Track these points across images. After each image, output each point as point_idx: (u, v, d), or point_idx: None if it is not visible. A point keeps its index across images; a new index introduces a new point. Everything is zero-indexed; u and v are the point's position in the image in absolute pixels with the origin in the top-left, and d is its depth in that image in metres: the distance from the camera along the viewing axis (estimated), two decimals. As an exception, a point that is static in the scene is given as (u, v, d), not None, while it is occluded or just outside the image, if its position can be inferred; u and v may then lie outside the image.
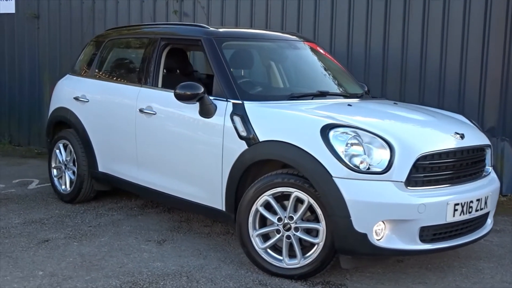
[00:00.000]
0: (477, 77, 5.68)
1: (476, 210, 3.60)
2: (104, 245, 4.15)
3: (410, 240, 3.36)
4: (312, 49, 4.81)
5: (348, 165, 3.31)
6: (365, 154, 3.34)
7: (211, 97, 3.95)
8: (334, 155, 3.33)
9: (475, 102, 5.71)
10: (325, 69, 4.65)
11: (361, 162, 3.32)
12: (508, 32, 5.55)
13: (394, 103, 4.42)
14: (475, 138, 3.79)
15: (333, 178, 3.32)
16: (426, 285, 3.57)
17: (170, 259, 3.91)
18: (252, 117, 3.73)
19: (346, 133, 3.39)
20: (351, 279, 3.61)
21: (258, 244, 3.64)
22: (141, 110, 4.45)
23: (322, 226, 3.44)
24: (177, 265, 3.80)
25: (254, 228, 3.66)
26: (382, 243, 3.32)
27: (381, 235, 3.32)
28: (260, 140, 3.63)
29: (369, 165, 3.32)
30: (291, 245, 3.56)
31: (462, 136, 3.67)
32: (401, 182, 3.31)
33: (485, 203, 3.68)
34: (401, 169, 3.32)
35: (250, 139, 3.68)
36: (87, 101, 5.04)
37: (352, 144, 3.36)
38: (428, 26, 5.78)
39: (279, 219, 3.56)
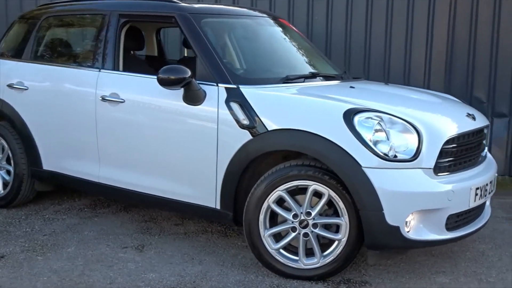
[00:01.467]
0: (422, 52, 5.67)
1: (489, 193, 3.48)
2: (75, 257, 3.57)
3: (438, 230, 3.16)
4: (289, 28, 4.46)
5: (378, 153, 3.03)
6: (392, 140, 3.07)
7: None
8: (362, 143, 3.04)
9: (421, 78, 5.72)
10: (307, 50, 4.33)
11: (390, 150, 3.05)
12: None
13: (386, 84, 4.20)
14: (481, 118, 3.66)
15: (363, 168, 3.02)
16: (445, 273, 3.41)
17: (162, 268, 3.43)
18: (255, 103, 3.33)
19: (371, 118, 3.11)
20: (370, 275, 3.37)
21: (270, 244, 3.27)
22: (103, 98, 3.86)
23: (344, 221, 3.14)
24: (175, 274, 3.34)
25: (266, 228, 3.28)
26: (412, 235, 3.09)
27: (410, 226, 3.09)
28: (269, 129, 3.24)
29: (396, 152, 3.06)
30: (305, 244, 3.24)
31: (474, 118, 3.53)
32: (430, 169, 3.10)
33: (494, 185, 3.58)
34: (430, 155, 3.10)
35: (255, 128, 3.28)
36: (25, 89, 4.32)
37: (378, 130, 3.08)
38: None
39: (295, 216, 3.21)
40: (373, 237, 3.07)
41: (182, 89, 3.49)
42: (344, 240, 3.17)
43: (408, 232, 3.07)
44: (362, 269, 3.42)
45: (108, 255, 3.61)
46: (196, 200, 3.57)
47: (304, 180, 3.17)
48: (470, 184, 3.25)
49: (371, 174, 3.02)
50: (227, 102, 3.40)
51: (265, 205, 3.24)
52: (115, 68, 3.97)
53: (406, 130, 3.10)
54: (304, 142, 3.15)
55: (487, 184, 3.41)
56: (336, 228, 3.22)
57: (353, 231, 3.14)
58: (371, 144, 3.03)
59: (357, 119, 3.08)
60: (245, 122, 3.31)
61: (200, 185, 3.53)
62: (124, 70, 3.99)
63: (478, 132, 3.51)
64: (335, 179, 3.12)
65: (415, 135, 3.09)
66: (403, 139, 3.10)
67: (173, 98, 3.56)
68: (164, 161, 3.67)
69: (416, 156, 3.06)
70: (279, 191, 3.21)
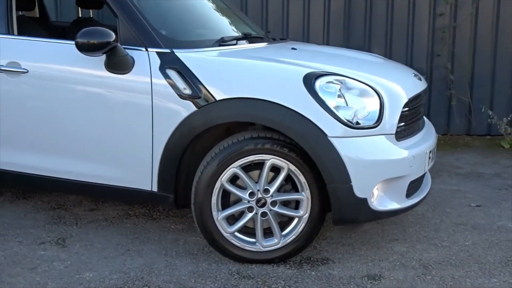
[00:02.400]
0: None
1: (434, 156, 3.40)
2: (-16, 260, 2.97)
3: (400, 198, 3.01)
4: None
5: (343, 121, 2.78)
6: (355, 106, 2.84)
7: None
8: (326, 110, 2.77)
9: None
10: (227, 10, 3.94)
11: (354, 116, 2.82)
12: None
13: (320, 45, 3.95)
14: (423, 79, 3.55)
15: (329, 138, 2.76)
16: (399, 241, 3.30)
17: (98, 264, 2.95)
18: (197, 70, 2.92)
19: (332, 82, 2.84)
20: (327, 250, 3.16)
21: (225, 228, 2.93)
22: (-1, 69, 3.22)
23: (306, 196, 2.89)
24: (116, 271, 2.89)
25: (219, 210, 2.92)
26: (378, 206, 2.90)
27: (375, 197, 2.90)
28: (218, 98, 2.86)
29: (358, 119, 2.84)
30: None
31: (420, 78, 3.41)
32: (392, 134, 2.91)
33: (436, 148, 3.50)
34: (391, 120, 2.90)
35: (200, 98, 2.88)
36: None
37: (340, 96, 2.83)
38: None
39: (251, 194, 2.89)
40: (341, 211, 2.85)
41: (104, 55, 2.97)
42: (306, 216, 2.91)
43: (373, 203, 2.88)
44: (317, 246, 3.20)
45: (25, 254, 3.05)
46: (127, 183, 3.11)
47: (261, 154, 2.84)
48: (425, 148, 3.12)
49: (338, 144, 2.77)
50: (162, 69, 2.95)
51: (217, 185, 2.88)
52: (9, 32, 3.32)
53: (368, 94, 2.88)
54: (262, 112, 2.81)
55: (434, 148, 3.32)
56: (296, 205, 2.95)
57: (315, 206, 2.90)
58: (335, 111, 2.77)
59: (318, 84, 2.80)
60: (187, 91, 2.90)
61: (132, 167, 3.08)
62: (19, 35, 3.36)
63: (424, 93, 3.39)
64: (294, 151, 2.83)
65: (377, 99, 2.88)
66: (364, 104, 2.88)
67: (93, 66, 3.04)
68: (83, 141, 3.14)
69: (379, 122, 2.86)
70: (234, 168, 2.86)
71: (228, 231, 2.92)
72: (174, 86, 2.91)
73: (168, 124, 2.95)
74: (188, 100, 2.90)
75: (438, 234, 3.39)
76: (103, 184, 3.16)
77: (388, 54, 5.78)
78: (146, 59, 2.99)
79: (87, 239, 3.25)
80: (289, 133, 2.78)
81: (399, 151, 2.91)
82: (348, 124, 2.78)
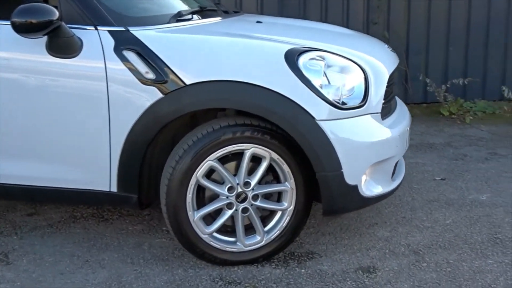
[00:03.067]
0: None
1: (409, 133, 3.21)
2: None
3: (386, 181, 2.80)
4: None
5: (331, 101, 2.51)
6: (340, 85, 2.57)
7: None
8: (313, 91, 2.49)
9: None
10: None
11: (340, 96, 2.55)
12: None
13: (284, 18, 3.63)
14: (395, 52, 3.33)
15: (317, 122, 2.48)
16: (379, 225, 3.11)
17: (54, 282, 2.54)
18: (160, 50, 2.52)
19: (315, 59, 2.55)
20: (308, 242, 2.91)
21: (202, 229, 2.59)
22: None
23: (290, 186, 2.61)
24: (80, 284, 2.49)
25: (195, 209, 2.58)
26: (367, 193, 2.67)
27: (363, 183, 2.67)
28: (188, 82, 2.49)
29: (344, 98, 2.57)
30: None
31: (393, 51, 3.18)
32: (378, 113, 2.68)
33: (409, 124, 3.32)
34: (376, 98, 2.66)
35: (166, 83, 2.50)
36: None
37: (325, 74, 2.55)
38: None
39: (230, 189, 2.56)
40: (332, 201, 2.59)
41: (46, 37, 2.51)
42: (291, 209, 2.64)
43: (363, 190, 2.64)
44: (297, 238, 2.92)
45: (-37, 277, 2.57)
46: (81, 185, 2.69)
47: (241, 144, 2.52)
48: (406, 125, 2.93)
49: (326, 127, 2.50)
50: (117, 51, 2.53)
51: (192, 181, 2.53)
52: None
53: (352, 71, 2.62)
54: (241, 97, 2.48)
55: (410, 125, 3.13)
56: (277, 197, 2.66)
57: (300, 197, 2.63)
58: (322, 91, 2.49)
59: (302, 61, 2.50)
60: (150, 76, 2.50)
61: (86, 166, 2.65)
62: None
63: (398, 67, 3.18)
64: (277, 138, 2.53)
65: (361, 76, 2.62)
66: (349, 81, 2.61)
67: (33, 50, 2.57)
68: (26, 138, 2.68)
69: (365, 101, 2.61)
70: (210, 161, 2.51)
71: (206, 232, 2.59)
72: (133, 70, 2.51)
73: (128, 115, 2.55)
74: (152, 86, 2.51)
75: (415, 214, 3.23)
76: (50, 187, 2.71)
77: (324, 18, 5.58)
78: (96, 40, 2.55)
79: (34, 252, 2.80)
80: (273, 119, 2.47)
81: (387, 131, 2.69)
82: (335, 105, 2.51)
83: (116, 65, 2.53)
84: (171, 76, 2.48)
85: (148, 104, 2.52)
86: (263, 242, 2.64)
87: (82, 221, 3.15)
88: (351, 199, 2.62)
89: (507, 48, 5.87)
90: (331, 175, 2.52)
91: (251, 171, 2.58)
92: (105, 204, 2.90)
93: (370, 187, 2.69)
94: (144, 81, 2.50)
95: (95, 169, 2.64)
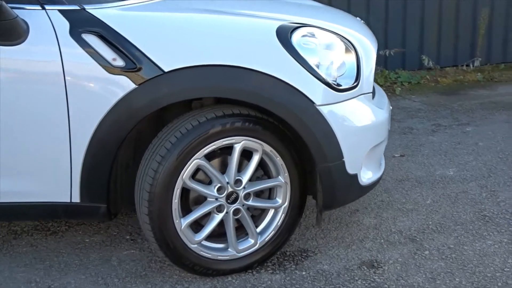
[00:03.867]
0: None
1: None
2: None
3: (377, 166, 2.59)
4: None
5: (329, 84, 2.24)
6: (334, 64, 2.30)
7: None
8: (310, 72, 2.20)
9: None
10: None
11: (336, 77, 2.29)
12: None
13: None
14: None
15: (318, 107, 2.20)
16: (360, 211, 2.90)
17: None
18: (128, 32, 2.11)
19: (307, 36, 2.26)
20: (298, 239, 2.64)
21: (191, 238, 2.24)
22: None
23: (284, 181, 2.32)
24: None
25: (181, 216, 2.22)
26: (363, 181, 2.44)
27: (361, 171, 2.44)
28: (166, 69, 2.10)
29: (338, 79, 2.31)
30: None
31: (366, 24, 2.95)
32: (370, 93, 2.45)
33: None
34: (368, 77, 2.42)
35: (140, 70, 2.10)
36: None
37: (319, 52, 2.27)
38: None
39: (220, 189, 2.23)
40: (333, 194, 2.34)
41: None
42: (286, 205, 2.36)
43: (361, 178, 2.41)
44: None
45: None
46: (35, 198, 2.24)
47: (230, 137, 2.19)
48: (389, 105, 2.72)
49: (327, 113, 2.23)
50: (74, 34, 2.10)
51: (178, 184, 2.16)
52: None
53: (344, 49, 2.35)
54: (231, 83, 2.14)
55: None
56: (268, 194, 2.37)
57: (296, 192, 2.35)
58: (319, 72, 2.21)
59: (295, 39, 2.20)
60: (119, 63, 2.09)
61: (41, 175, 2.20)
62: None
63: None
64: (269, 128, 2.23)
65: (353, 54, 2.36)
66: (342, 60, 2.34)
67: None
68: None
69: (358, 81, 2.36)
70: (197, 160, 2.16)
71: (195, 241, 2.24)
72: (97, 57, 2.09)
73: (92, 111, 2.13)
74: (121, 75, 2.10)
75: (392, 196, 3.06)
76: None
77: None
78: (46, 22, 2.10)
79: (-20, 280, 2.32)
80: (269, 106, 2.16)
81: (380, 112, 2.47)
82: (333, 87, 2.25)
83: (74, 51, 2.09)
84: (145, 62, 2.09)
85: (117, 97, 2.11)
86: (257, 245, 2.35)
87: (26, 236, 2.68)
88: (352, 190, 2.39)
89: (423, 21, 5.84)
90: (333, 165, 2.26)
91: (239, 168, 2.26)
92: (67, 217, 2.45)
93: (365, 174, 2.46)
94: (111, 69, 2.09)
95: (52, 177, 2.20)
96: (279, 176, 2.32)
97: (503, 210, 2.85)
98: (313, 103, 2.18)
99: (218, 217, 2.25)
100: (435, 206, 2.93)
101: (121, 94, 2.10)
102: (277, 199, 2.35)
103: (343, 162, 2.28)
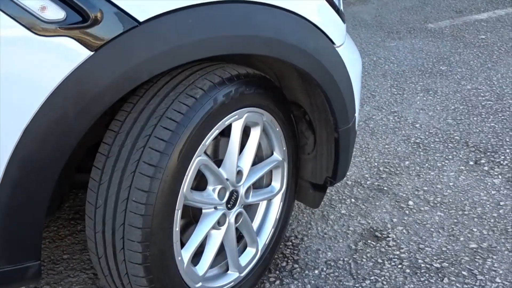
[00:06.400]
0: None
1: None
2: None
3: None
4: None
5: (341, 15, 1.63)
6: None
7: None
8: (328, 1, 1.54)
9: None
10: None
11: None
12: None
13: None
14: None
15: (338, 50, 1.58)
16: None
17: None
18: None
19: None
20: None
21: (194, 276, 1.47)
22: None
23: (282, 157, 1.68)
24: None
25: (180, 246, 1.42)
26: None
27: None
28: (142, 18, 1.21)
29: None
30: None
31: None
32: (345, 24, 1.88)
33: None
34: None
35: (96, 23, 1.18)
36: None
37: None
38: None
39: (221, 192, 1.49)
40: (347, 163, 1.77)
41: None
42: (283, 191, 1.72)
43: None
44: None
45: None
46: None
47: (235, 112, 1.43)
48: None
49: (344, 57, 1.61)
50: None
51: (180, 202, 1.35)
52: None
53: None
54: (243, 29, 1.35)
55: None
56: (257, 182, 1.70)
57: (293, 170, 1.74)
58: (336, 1, 1.57)
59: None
60: (54, 15, 1.14)
61: None
62: None
63: None
64: (271, 90, 1.54)
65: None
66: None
67: None
68: None
69: (339, 6, 1.77)
70: (200, 157, 1.37)
71: (198, 278, 1.48)
72: (11, 8, 1.10)
73: (12, 111, 1.15)
74: (61, 35, 1.14)
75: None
76: None
77: None
78: None
79: None
80: (290, 57, 1.44)
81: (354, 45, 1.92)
82: (343, 20, 1.63)
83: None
84: (105, 9, 1.17)
85: (56, 79, 1.16)
86: (259, 253, 1.68)
87: None
88: (352, 152, 1.84)
89: None
90: (351, 125, 1.69)
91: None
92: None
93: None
94: (42, 27, 1.12)
95: None
96: (275, 153, 1.65)
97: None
98: (334, 44, 1.54)
99: (220, 233, 1.51)
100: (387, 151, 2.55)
101: (63, 71, 1.16)
102: (274, 185, 1.69)
103: (355, 118, 1.71)
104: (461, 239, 1.92)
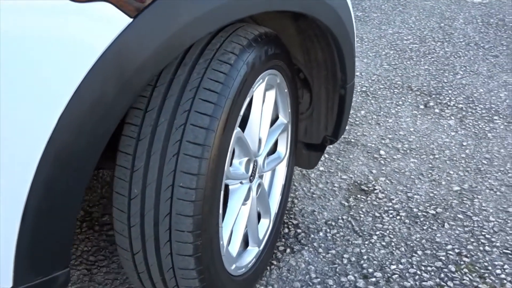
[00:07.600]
0: None
1: None
2: None
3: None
4: None
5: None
6: None
7: None
8: None
9: None
10: None
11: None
12: None
13: None
14: None
15: (347, 1, 1.49)
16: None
17: None
18: None
19: None
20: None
21: (230, 258, 1.36)
22: None
23: (287, 119, 1.59)
24: None
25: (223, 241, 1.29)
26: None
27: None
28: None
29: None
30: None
31: None
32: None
33: None
34: None
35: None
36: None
37: None
38: None
39: (247, 165, 1.37)
40: (346, 120, 1.70)
41: None
42: (287, 155, 1.63)
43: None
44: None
45: None
46: None
47: (262, 74, 1.31)
48: None
49: (351, 9, 1.53)
50: None
51: (223, 180, 1.22)
52: None
53: None
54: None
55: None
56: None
57: (295, 134, 1.65)
58: None
59: None
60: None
61: None
62: None
63: None
64: (284, 50, 1.43)
65: None
66: None
67: None
68: None
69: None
70: (236, 130, 1.24)
71: (233, 258, 1.36)
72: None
73: (52, 86, 0.95)
74: (95, 0, 0.95)
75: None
76: None
77: None
78: None
79: None
80: (316, 12, 1.33)
81: None
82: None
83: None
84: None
85: (96, 50, 0.97)
86: (271, 223, 1.59)
87: None
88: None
89: None
90: (353, 81, 1.62)
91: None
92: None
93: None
94: (79, -8, 0.93)
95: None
96: (280, 117, 1.55)
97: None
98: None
99: (246, 208, 1.40)
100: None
101: (102, 43, 0.97)
102: (279, 150, 1.59)
103: (353, 83, 1.65)
104: (443, 183, 1.96)
